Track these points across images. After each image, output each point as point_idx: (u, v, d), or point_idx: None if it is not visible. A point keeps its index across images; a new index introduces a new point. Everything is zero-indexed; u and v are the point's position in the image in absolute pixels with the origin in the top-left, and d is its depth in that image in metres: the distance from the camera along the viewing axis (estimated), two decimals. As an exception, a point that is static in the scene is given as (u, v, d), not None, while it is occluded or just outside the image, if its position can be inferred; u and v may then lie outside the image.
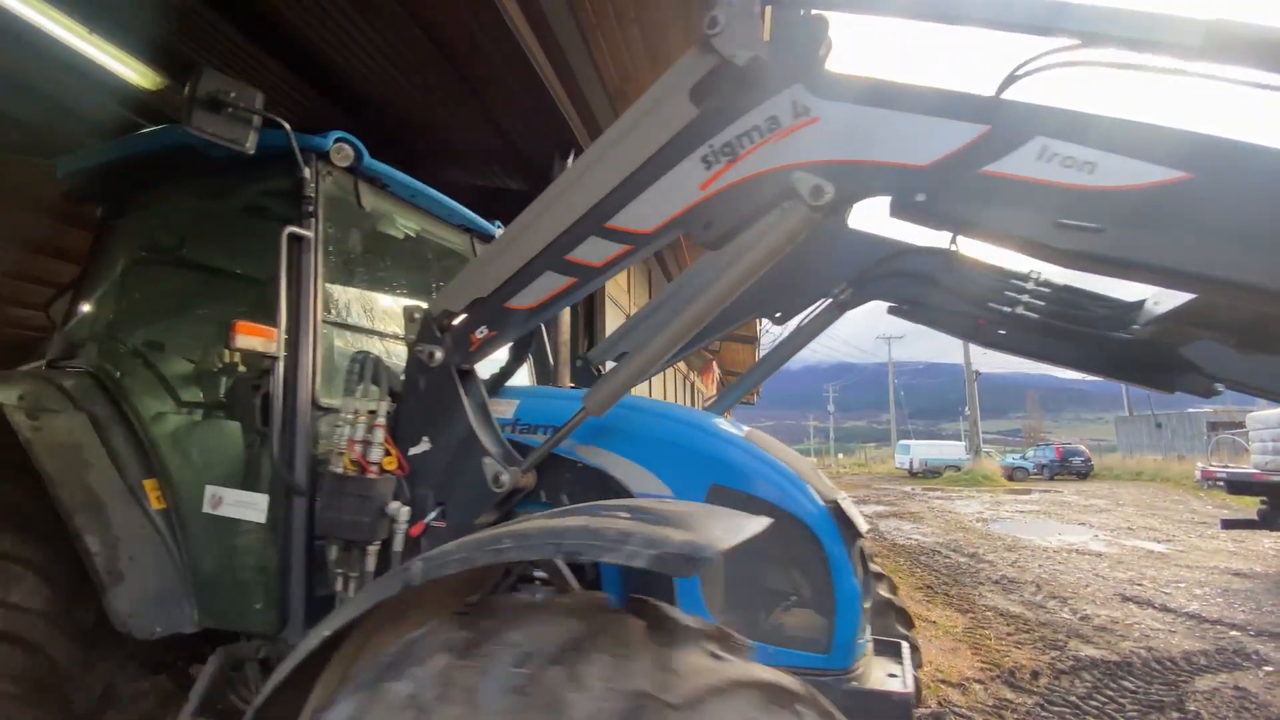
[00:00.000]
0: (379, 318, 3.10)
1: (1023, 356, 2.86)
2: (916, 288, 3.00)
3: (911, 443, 43.79)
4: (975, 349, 29.47)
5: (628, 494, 2.16)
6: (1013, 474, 34.49)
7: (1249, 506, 11.76)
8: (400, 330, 3.01)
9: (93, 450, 2.49)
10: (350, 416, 2.13)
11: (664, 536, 1.14)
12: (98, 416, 2.59)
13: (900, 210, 1.76)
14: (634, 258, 2.10)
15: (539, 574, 2.32)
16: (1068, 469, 33.81)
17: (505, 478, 2.11)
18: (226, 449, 2.57)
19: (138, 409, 2.65)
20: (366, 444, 2.11)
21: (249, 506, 2.37)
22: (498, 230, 3.71)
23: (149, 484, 2.52)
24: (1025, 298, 2.66)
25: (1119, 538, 13.55)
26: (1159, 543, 12.91)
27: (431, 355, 2.27)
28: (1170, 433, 30.70)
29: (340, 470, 2.10)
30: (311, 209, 2.60)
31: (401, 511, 2.08)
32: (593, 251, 2.11)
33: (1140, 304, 2.47)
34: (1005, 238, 1.64)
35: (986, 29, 1.72)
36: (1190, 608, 7.94)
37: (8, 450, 2.43)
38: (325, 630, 1.42)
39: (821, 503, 2.13)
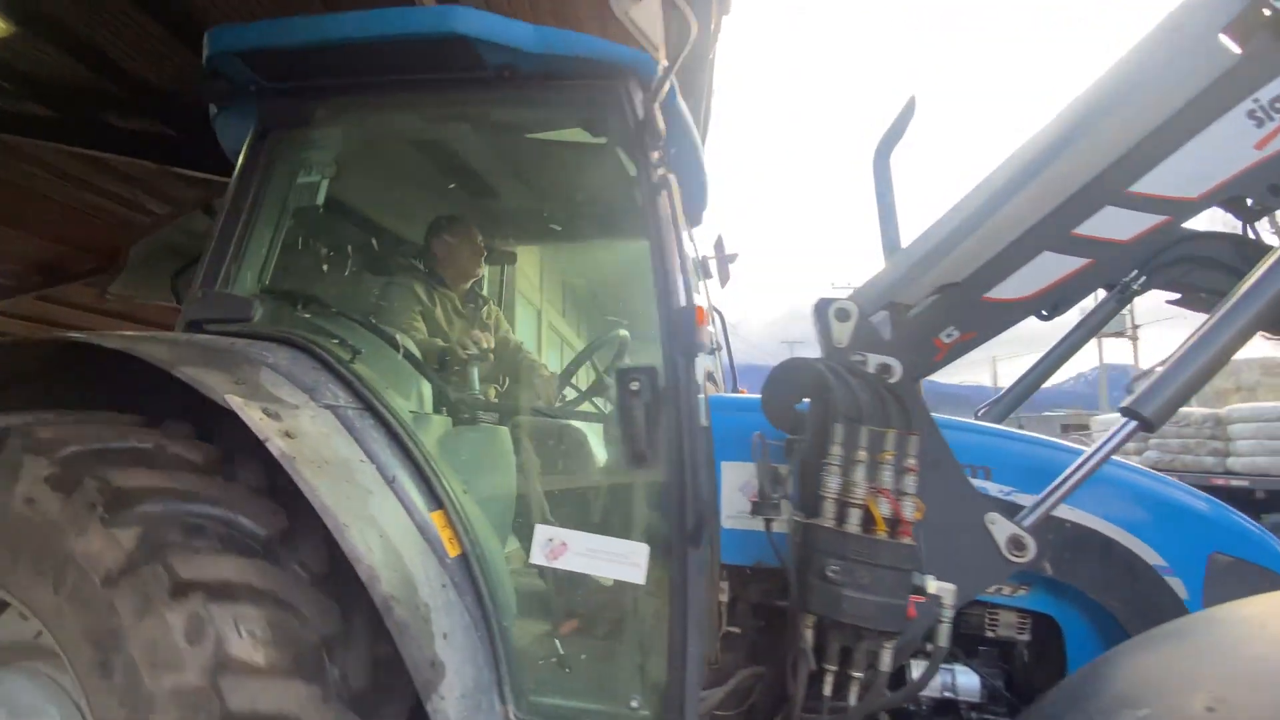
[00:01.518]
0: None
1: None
2: (1210, 275, 2.83)
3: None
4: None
5: (1143, 566, 1.75)
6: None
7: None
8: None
9: (364, 470, 1.68)
10: (860, 454, 1.53)
11: None
12: (344, 415, 1.76)
13: None
14: (1172, 230, 1.80)
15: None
16: (943, 465, 36.83)
17: (1029, 543, 1.63)
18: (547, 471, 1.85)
19: (391, 406, 1.84)
20: (899, 494, 1.52)
21: (617, 560, 1.69)
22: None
23: (436, 519, 1.74)
24: None
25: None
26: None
27: (886, 368, 1.72)
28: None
29: (856, 529, 1.50)
30: (659, 154, 1.93)
31: (946, 591, 1.52)
32: (1114, 225, 1.77)
33: None
34: None
35: None
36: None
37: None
38: None
39: None
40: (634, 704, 1.69)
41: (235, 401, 1.55)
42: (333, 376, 1.85)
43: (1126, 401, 1.71)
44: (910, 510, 1.51)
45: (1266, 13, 1.68)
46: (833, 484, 1.54)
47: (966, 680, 1.90)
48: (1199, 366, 1.65)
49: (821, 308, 1.80)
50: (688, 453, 1.70)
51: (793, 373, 1.70)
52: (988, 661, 1.94)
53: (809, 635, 1.54)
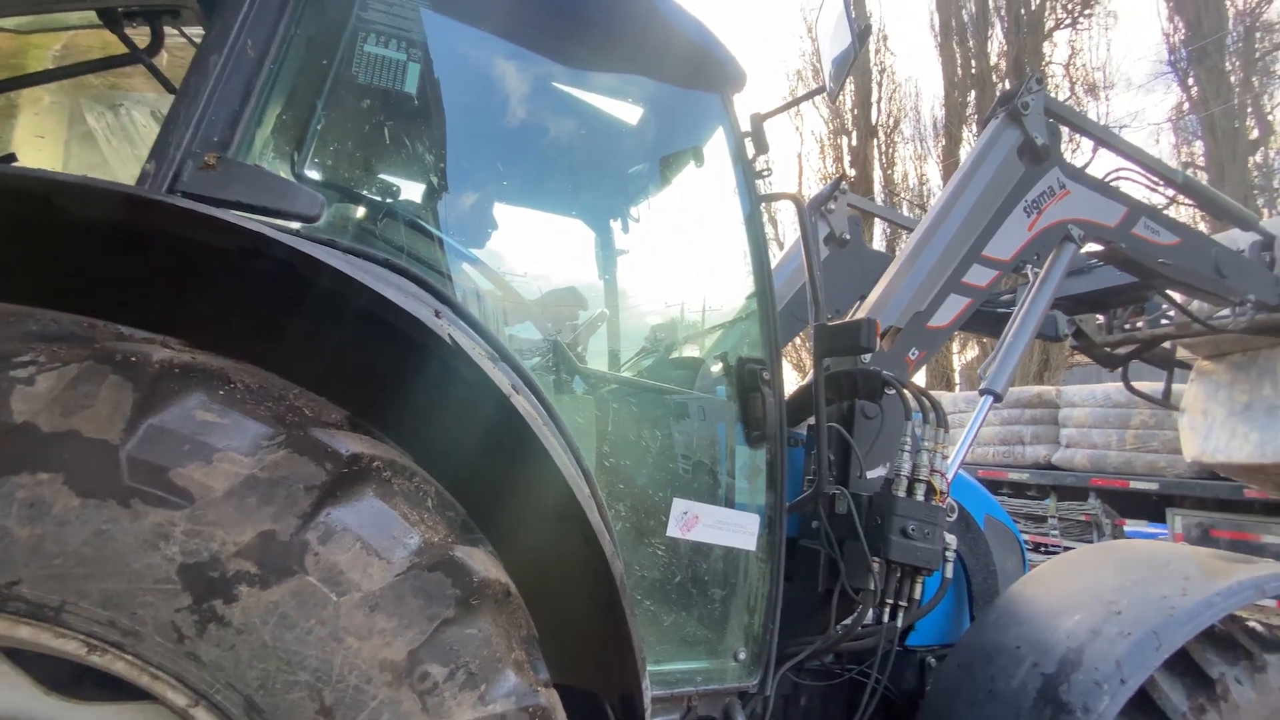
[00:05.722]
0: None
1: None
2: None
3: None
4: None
5: (974, 524, 2.62)
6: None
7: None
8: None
9: (550, 439, 1.43)
10: (927, 444, 2.00)
11: None
12: (505, 371, 1.46)
13: (1110, 254, 3.03)
14: (1000, 281, 2.73)
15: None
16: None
17: (956, 506, 2.34)
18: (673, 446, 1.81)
19: (523, 364, 1.58)
20: (939, 472, 2.02)
21: (736, 530, 1.82)
22: None
23: (586, 494, 1.57)
24: None
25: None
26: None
27: (891, 379, 2.26)
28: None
29: (917, 494, 1.97)
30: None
31: (951, 540, 2.08)
32: (979, 275, 2.64)
33: None
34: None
35: None
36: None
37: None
38: None
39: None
40: (741, 656, 1.85)
41: (465, 342, 1.20)
42: (462, 320, 1.49)
43: (984, 385, 2.57)
44: (943, 482, 2.08)
45: (1039, 141, 2.70)
46: (906, 466, 2.00)
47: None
48: (1019, 352, 2.61)
49: (853, 327, 2.22)
50: (784, 434, 1.94)
51: (861, 380, 2.09)
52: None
53: (876, 578, 1.97)
